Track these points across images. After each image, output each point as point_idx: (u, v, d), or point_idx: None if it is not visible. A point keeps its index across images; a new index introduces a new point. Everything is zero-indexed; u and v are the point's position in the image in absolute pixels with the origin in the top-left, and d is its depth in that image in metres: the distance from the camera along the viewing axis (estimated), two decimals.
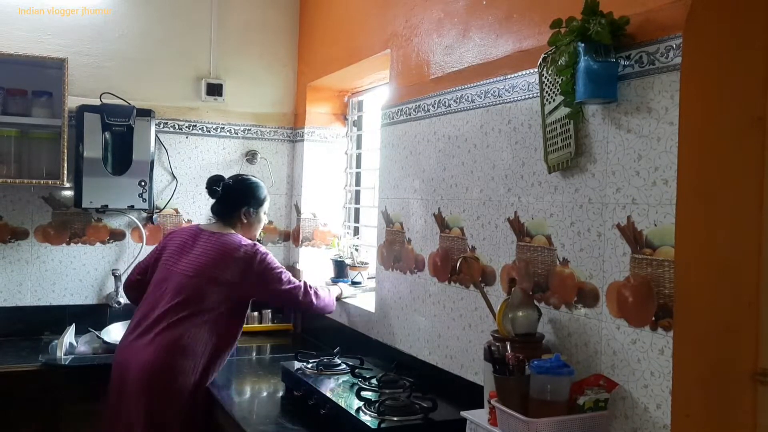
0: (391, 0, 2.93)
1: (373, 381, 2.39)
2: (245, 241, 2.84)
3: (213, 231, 2.89)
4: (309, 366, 2.59)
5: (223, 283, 2.73)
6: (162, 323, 2.67)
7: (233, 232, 2.90)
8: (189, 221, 3.76)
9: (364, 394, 2.23)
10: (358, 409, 2.13)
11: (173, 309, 2.69)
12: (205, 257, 2.78)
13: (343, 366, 2.60)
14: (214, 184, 2.97)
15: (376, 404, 2.10)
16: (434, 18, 2.60)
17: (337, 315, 3.33)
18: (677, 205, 1.54)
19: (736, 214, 1.60)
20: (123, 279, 3.53)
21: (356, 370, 2.53)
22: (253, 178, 3.11)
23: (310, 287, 2.95)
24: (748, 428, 1.61)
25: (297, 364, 2.63)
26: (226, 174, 3.85)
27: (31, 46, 3.39)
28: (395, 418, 2.05)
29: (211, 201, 3.04)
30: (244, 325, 3.68)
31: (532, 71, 2.01)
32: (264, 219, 3.07)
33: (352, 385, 2.39)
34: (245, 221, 2.96)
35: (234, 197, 2.96)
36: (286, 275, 2.89)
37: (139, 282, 3.00)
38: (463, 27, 2.43)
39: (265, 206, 3.05)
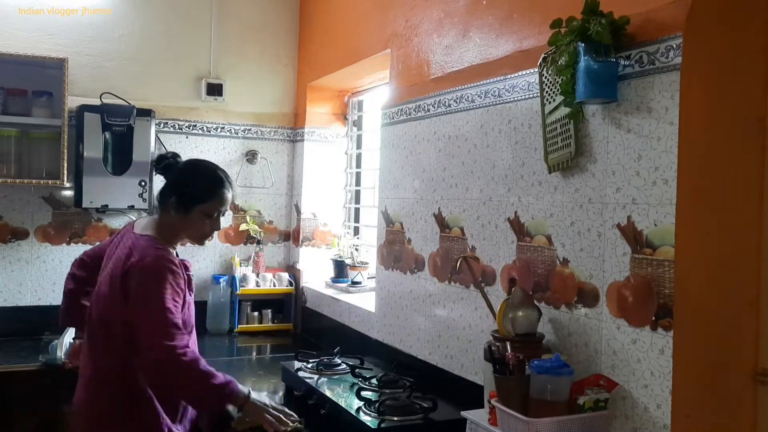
0: (391, 0, 2.93)
1: (373, 381, 2.39)
2: (150, 250, 2.07)
3: (132, 231, 2.21)
4: (309, 366, 2.59)
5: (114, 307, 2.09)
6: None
7: (150, 234, 2.15)
8: None
9: (364, 394, 2.23)
10: (358, 409, 2.13)
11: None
12: (107, 281, 2.14)
13: (343, 366, 2.60)
14: (158, 161, 2.26)
15: (376, 404, 2.10)
16: (434, 18, 2.60)
17: (337, 315, 3.33)
18: (677, 205, 1.54)
19: (736, 214, 1.60)
20: None
21: (356, 370, 2.53)
22: (210, 165, 2.29)
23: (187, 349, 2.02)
24: (748, 428, 1.61)
25: (297, 364, 2.63)
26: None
27: (31, 46, 3.39)
28: (395, 418, 2.05)
29: None
30: (243, 325, 3.72)
31: (532, 71, 2.01)
32: (200, 222, 2.18)
33: (352, 385, 2.39)
34: (167, 216, 2.17)
35: (169, 181, 2.22)
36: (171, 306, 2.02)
37: (85, 270, 2.44)
38: (463, 27, 2.43)
39: (209, 206, 2.17)
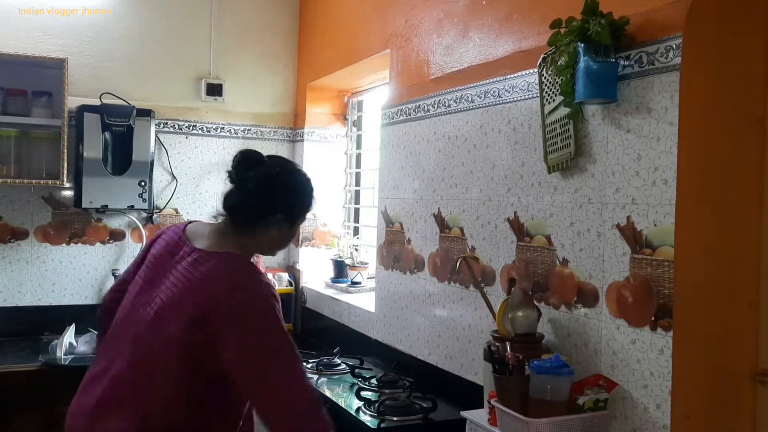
0: (391, 0, 2.93)
1: (373, 381, 2.40)
2: (251, 269, 1.71)
3: (204, 248, 1.72)
4: (309, 366, 2.59)
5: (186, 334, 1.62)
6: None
7: (234, 252, 1.72)
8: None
9: (363, 394, 2.24)
10: (358, 409, 2.13)
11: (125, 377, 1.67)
12: (173, 291, 1.69)
13: (343, 366, 2.60)
14: (247, 163, 1.78)
15: (376, 404, 2.10)
16: (434, 18, 2.60)
17: (337, 315, 3.33)
18: (677, 205, 1.54)
19: (736, 214, 1.60)
20: None
21: (356, 370, 2.53)
22: (304, 171, 1.91)
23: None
24: (748, 428, 1.61)
25: None
26: (225, 174, 3.83)
27: (31, 46, 3.39)
28: (395, 418, 2.06)
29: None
30: None
31: (532, 71, 2.01)
32: (292, 234, 1.89)
33: (352, 385, 2.39)
34: (267, 234, 1.79)
35: (269, 195, 1.78)
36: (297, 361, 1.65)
37: (114, 305, 1.86)
38: (463, 27, 2.43)
39: (304, 218, 1.90)
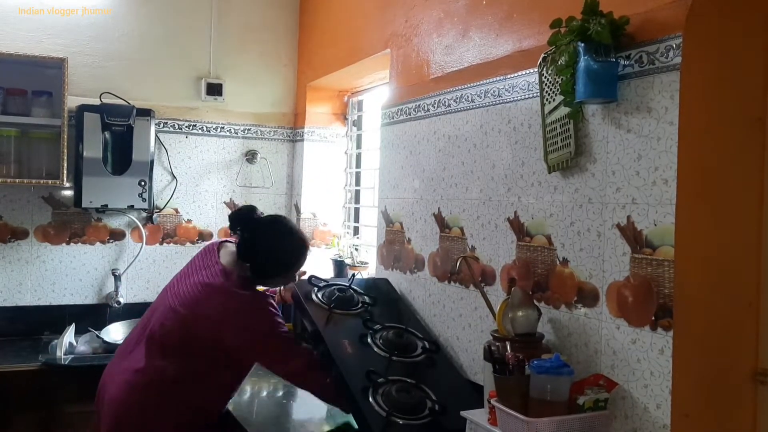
0: (391, 0, 2.93)
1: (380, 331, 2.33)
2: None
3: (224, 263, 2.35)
4: (320, 295, 2.46)
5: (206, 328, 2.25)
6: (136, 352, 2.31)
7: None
8: (189, 221, 3.76)
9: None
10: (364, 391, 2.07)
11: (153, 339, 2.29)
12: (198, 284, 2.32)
13: (357, 302, 2.47)
14: (240, 221, 2.37)
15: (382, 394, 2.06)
16: (434, 18, 2.60)
17: None
18: (677, 205, 1.54)
19: (736, 214, 1.60)
20: (122, 279, 3.55)
21: (368, 314, 2.43)
22: (298, 236, 2.43)
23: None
24: (748, 428, 1.61)
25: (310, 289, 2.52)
26: (225, 174, 3.84)
27: (31, 46, 3.39)
28: (401, 422, 2.03)
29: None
30: None
31: (532, 71, 2.01)
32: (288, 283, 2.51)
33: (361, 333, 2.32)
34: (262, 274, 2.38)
35: (260, 255, 2.33)
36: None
37: None
38: (463, 27, 2.43)
39: (296, 270, 2.46)
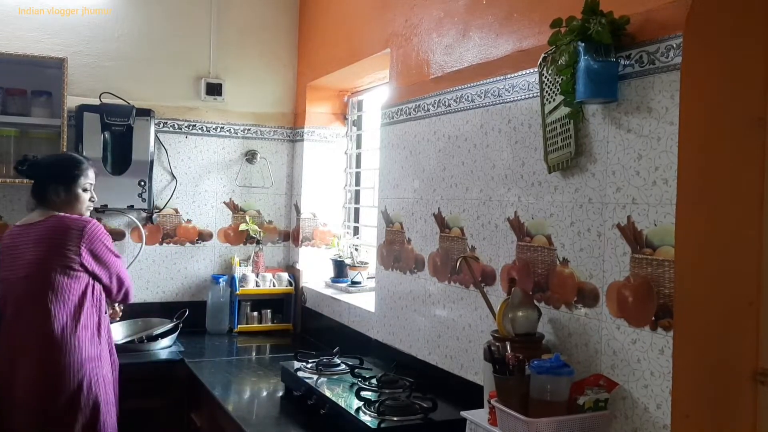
0: (391, 0, 2.93)
1: (373, 381, 2.39)
2: (74, 216, 2.64)
3: (32, 222, 2.62)
4: (308, 366, 2.59)
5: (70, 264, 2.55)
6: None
7: (56, 213, 2.63)
8: (188, 221, 3.76)
9: (363, 394, 2.23)
10: (358, 409, 2.13)
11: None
12: (40, 247, 2.56)
13: (343, 366, 2.60)
14: (18, 164, 2.78)
15: (376, 404, 2.10)
16: (434, 17, 2.60)
17: (337, 315, 3.33)
18: (677, 205, 1.54)
19: (736, 214, 1.60)
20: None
21: (356, 370, 2.53)
22: (66, 155, 3.00)
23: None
24: (748, 428, 1.61)
25: (296, 364, 2.63)
26: (225, 174, 3.85)
27: (31, 46, 3.39)
28: (395, 418, 2.05)
29: None
30: (243, 325, 3.72)
31: (532, 71, 2.01)
32: (82, 195, 2.71)
33: (352, 384, 2.39)
34: (58, 200, 2.65)
35: (40, 176, 2.70)
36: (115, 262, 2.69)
37: None
38: (463, 26, 2.43)
39: (81, 182, 2.70)
